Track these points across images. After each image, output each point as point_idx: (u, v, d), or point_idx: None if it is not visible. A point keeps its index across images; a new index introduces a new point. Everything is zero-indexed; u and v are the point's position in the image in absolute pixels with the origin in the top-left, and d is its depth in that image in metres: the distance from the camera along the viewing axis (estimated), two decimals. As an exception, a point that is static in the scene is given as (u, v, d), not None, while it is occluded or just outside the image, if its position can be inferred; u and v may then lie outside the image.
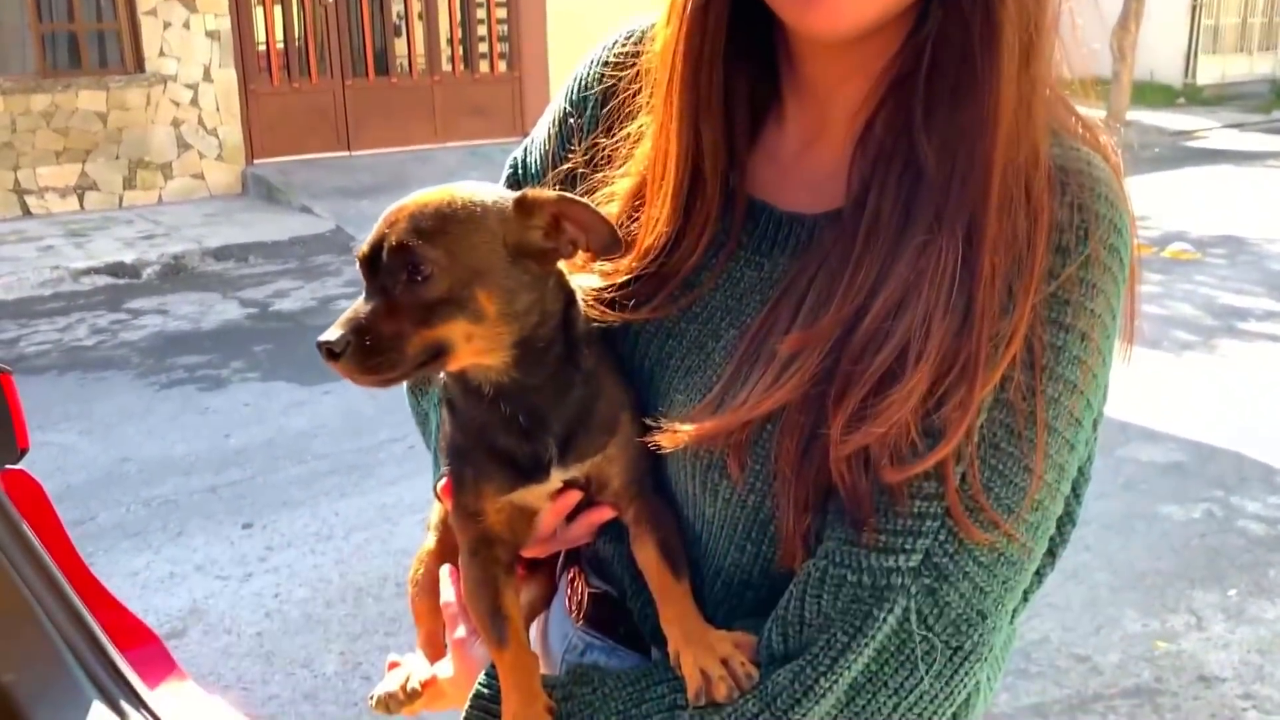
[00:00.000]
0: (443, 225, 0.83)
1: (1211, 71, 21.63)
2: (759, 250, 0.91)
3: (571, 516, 0.96)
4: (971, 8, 0.78)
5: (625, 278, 0.91)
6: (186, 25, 10.29)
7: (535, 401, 0.89)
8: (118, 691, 1.09)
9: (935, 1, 0.81)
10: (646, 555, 0.93)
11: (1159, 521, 4.14)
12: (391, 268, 0.83)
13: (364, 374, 0.82)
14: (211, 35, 10.42)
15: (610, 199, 0.95)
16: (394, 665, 1.05)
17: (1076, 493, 0.88)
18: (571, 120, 1.04)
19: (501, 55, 12.49)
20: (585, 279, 0.93)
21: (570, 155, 1.03)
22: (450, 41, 12.15)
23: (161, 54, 10.23)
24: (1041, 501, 0.80)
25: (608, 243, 0.86)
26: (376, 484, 4.47)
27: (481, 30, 12.39)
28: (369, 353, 0.82)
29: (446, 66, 12.10)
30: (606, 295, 0.92)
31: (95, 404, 5.52)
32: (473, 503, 0.93)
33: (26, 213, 9.77)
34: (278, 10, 10.97)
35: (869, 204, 0.82)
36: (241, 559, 3.87)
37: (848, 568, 0.80)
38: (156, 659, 1.20)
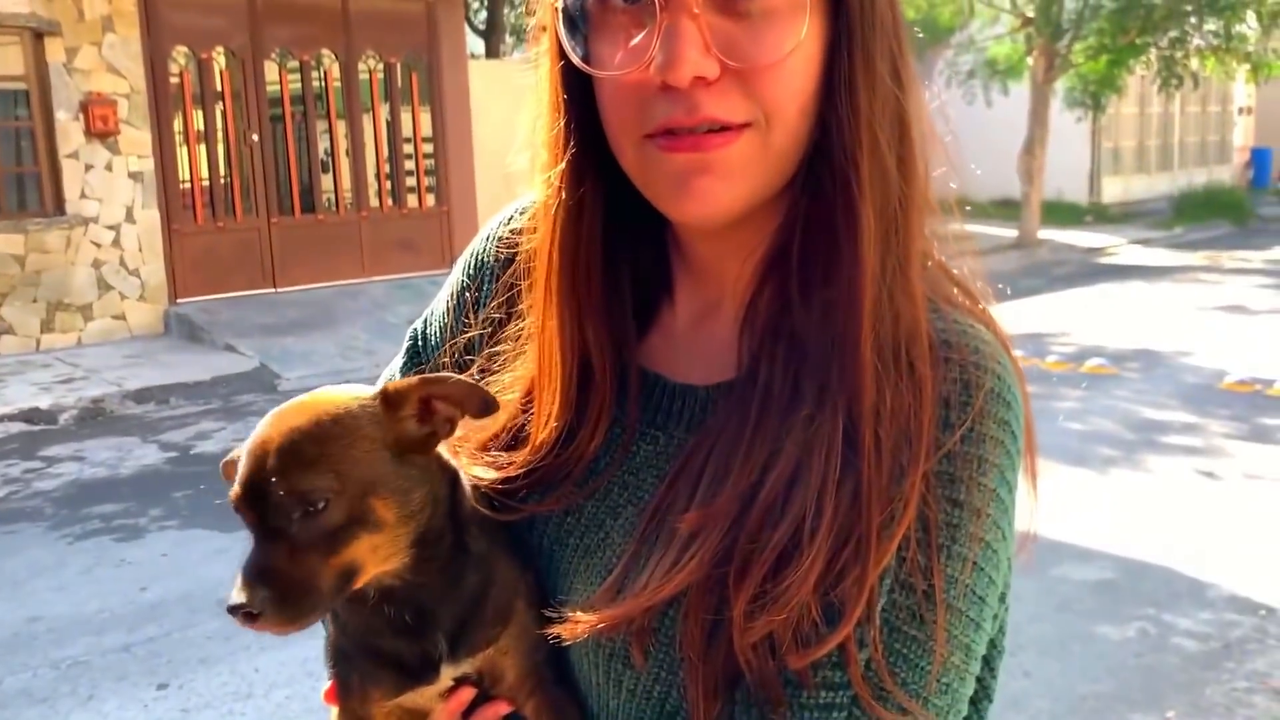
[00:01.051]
0: (322, 448, 0.79)
1: (1115, 190, 22.61)
2: (653, 424, 0.90)
3: (468, 712, 0.91)
4: (833, 190, 0.80)
5: (521, 470, 0.90)
6: (109, 167, 10.26)
7: (422, 599, 0.85)
8: None
9: (803, 185, 0.82)
10: None
11: (1095, 642, 4.13)
12: (281, 506, 0.78)
13: (288, 625, 0.77)
14: (134, 176, 10.40)
15: (507, 390, 0.94)
16: None
17: (991, 666, 0.87)
18: (468, 294, 1.04)
19: (429, 189, 12.63)
20: (480, 471, 0.91)
21: (467, 328, 1.03)
22: (378, 177, 12.27)
23: (83, 195, 10.17)
24: (949, 684, 0.78)
25: (482, 407, 0.84)
26: (299, 636, 4.27)
27: (409, 165, 12.54)
28: (286, 602, 0.77)
29: (374, 202, 12.19)
30: (506, 488, 0.89)
31: (4, 560, 5.28)
32: (360, 708, 0.89)
33: (-62, 359, 9.52)
34: (202, 149, 11.01)
35: (759, 378, 0.82)
36: (154, 724, 3.68)
37: None
38: None
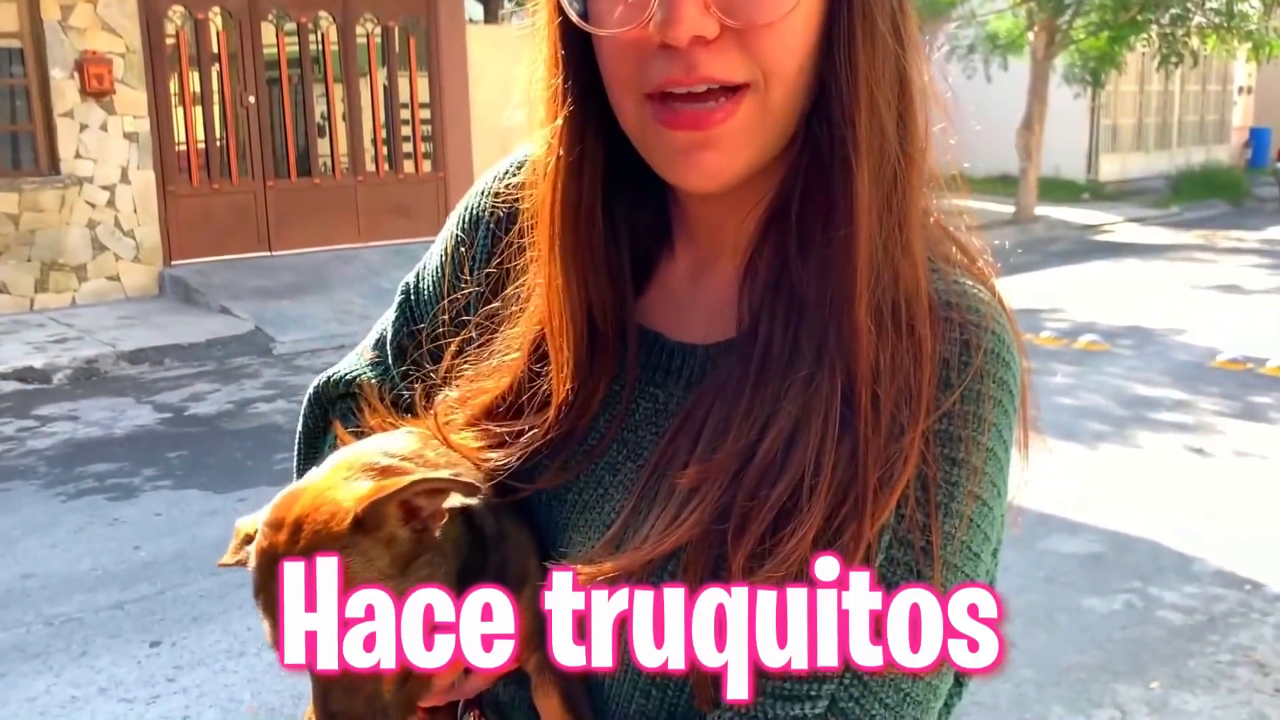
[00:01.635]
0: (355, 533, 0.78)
1: (1112, 168, 22.55)
2: (653, 381, 0.91)
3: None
4: (830, 147, 0.80)
5: (545, 438, 0.89)
6: (104, 127, 10.20)
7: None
8: None
9: (802, 144, 0.82)
10: (549, 705, 0.90)
11: (1081, 614, 4.17)
12: None
13: None
14: (130, 137, 10.34)
15: (510, 350, 0.94)
16: None
17: None
18: (463, 249, 1.03)
19: (426, 155, 12.57)
20: (489, 454, 0.90)
21: (463, 284, 1.02)
22: (374, 142, 12.21)
23: (78, 155, 10.11)
24: None
25: (467, 492, 0.82)
26: (292, 595, 4.32)
27: (405, 130, 12.48)
28: None
29: (370, 167, 12.13)
30: (518, 465, 0.89)
31: (-3, 517, 5.30)
32: None
33: (-68, 317, 9.50)
34: (198, 111, 10.94)
35: (759, 335, 0.83)
36: (148, 679, 3.70)
37: (753, 718, 0.78)
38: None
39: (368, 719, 0.79)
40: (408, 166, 12.46)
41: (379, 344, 1.11)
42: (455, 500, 0.82)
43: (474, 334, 0.98)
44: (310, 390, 1.12)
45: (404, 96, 12.39)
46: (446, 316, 1.02)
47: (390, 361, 1.09)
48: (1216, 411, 7.13)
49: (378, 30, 11.98)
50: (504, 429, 0.91)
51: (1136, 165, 23.27)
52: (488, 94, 11.88)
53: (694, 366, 0.89)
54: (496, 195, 1.02)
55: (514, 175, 1.01)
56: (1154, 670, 3.76)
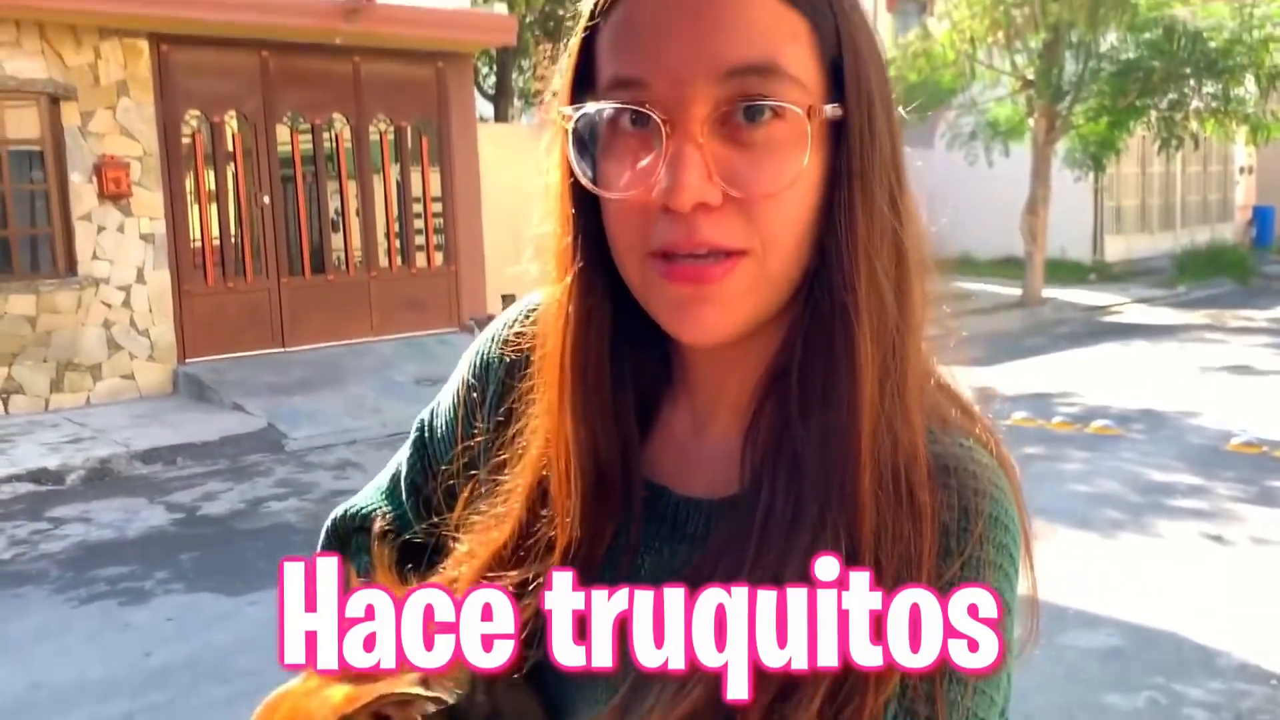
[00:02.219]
0: None
1: (1118, 249, 22.71)
2: (657, 535, 0.92)
3: None
4: (831, 314, 0.82)
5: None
6: (121, 229, 10.38)
7: None
8: None
9: (803, 307, 0.85)
10: None
11: (1103, 713, 4.10)
12: None
13: None
14: (146, 238, 10.52)
15: (509, 496, 0.95)
16: None
17: None
18: (474, 394, 1.06)
19: (438, 248, 12.74)
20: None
21: (475, 431, 1.04)
22: (387, 236, 12.39)
23: (95, 257, 10.27)
24: None
25: (434, 704, 0.83)
26: (304, 703, 4.28)
27: (418, 225, 12.67)
28: None
29: (383, 261, 12.29)
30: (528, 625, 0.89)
31: (8, 623, 5.28)
32: None
33: (-52, 418, 9.56)
34: (213, 210, 11.13)
35: (761, 499, 0.84)
36: (157, 794, 3.66)
37: None
38: None
39: None
40: (420, 260, 12.62)
41: (394, 480, 1.13)
42: (429, 707, 0.82)
43: (483, 487, 0.99)
44: (328, 523, 1.14)
45: (416, 191, 12.60)
46: (459, 464, 1.04)
47: (404, 499, 1.11)
48: (1233, 497, 7.07)
49: (390, 129, 12.24)
50: (509, 578, 0.92)
51: (1142, 246, 23.43)
52: (498, 190, 12.08)
53: (698, 523, 0.90)
54: (506, 343, 1.04)
55: (523, 324, 1.03)
56: (1181, 772, 3.68)
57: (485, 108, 15.73)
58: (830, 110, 0.81)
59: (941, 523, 0.81)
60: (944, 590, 0.79)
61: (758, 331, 0.86)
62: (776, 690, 0.77)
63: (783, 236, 0.82)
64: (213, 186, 11.13)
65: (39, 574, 6.05)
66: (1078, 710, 4.10)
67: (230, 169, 11.19)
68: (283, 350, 11.37)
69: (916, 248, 0.86)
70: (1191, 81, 15.87)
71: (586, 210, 0.89)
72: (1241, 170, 27.96)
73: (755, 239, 0.81)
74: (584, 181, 0.86)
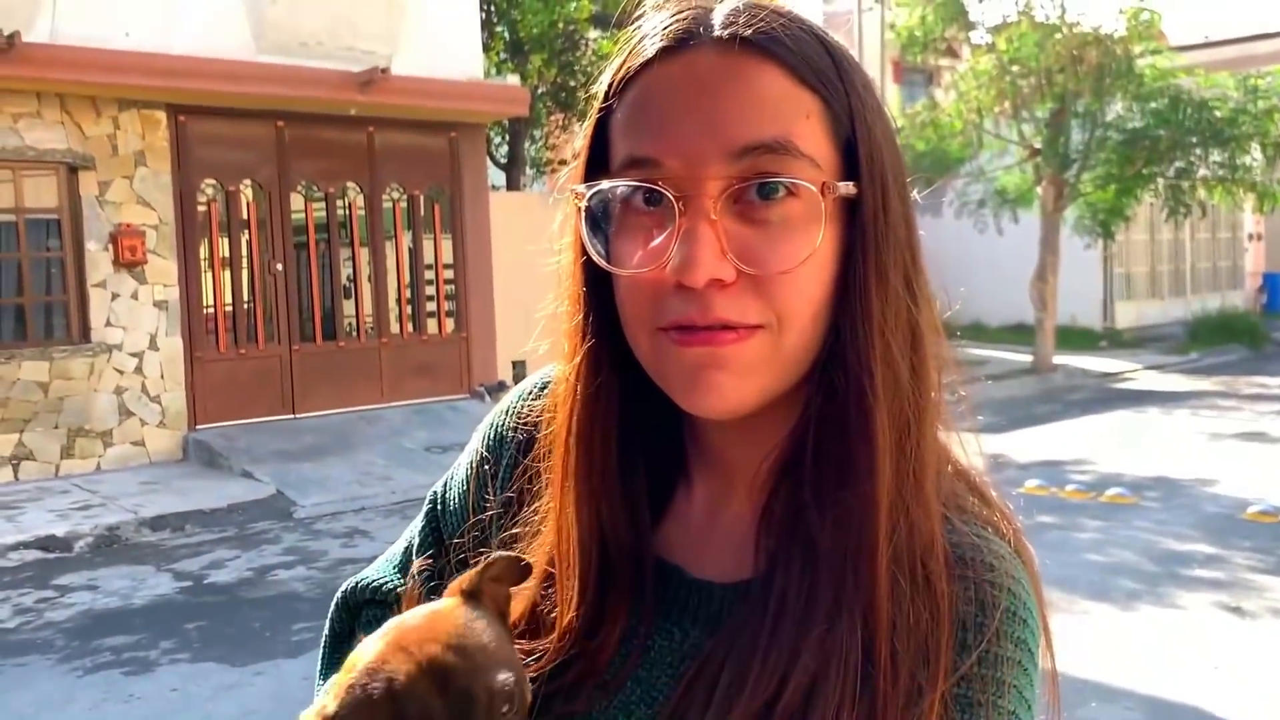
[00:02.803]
0: (485, 647, 0.79)
1: (1128, 315, 22.71)
2: (669, 618, 0.90)
3: None
4: (846, 393, 0.81)
5: (551, 663, 0.89)
6: (135, 296, 10.46)
7: None
8: None
9: (817, 386, 0.84)
10: None
11: (1124, 790, 4.01)
12: (488, 709, 0.75)
13: None
14: (159, 305, 10.60)
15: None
16: None
17: None
18: (487, 467, 1.05)
19: (449, 314, 12.81)
20: None
21: (487, 504, 1.03)
22: (399, 303, 12.46)
23: (108, 324, 10.35)
24: None
25: (519, 574, 0.88)
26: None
27: (430, 291, 12.75)
28: None
29: (395, 328, 12.35)
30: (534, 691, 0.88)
31: (11, 695, 5.22)
32: None
33: (-42, 485, 9.56)
34: (226, 277, 11.23)
35: (775, 584, 0.82)
36: None
37: None
38: None
39: None
40: (431, 327, 12.68)
41: (406, 552, 1.12)
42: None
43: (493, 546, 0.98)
44: (338, 594, 1.13)
45: (428, 259, 12.70)
46: (470, 537, 1.03)
47: (416, 573, 1.10)
48: (1251, 567, 6.97)
49: (403, 197, 12.37)
50: (521, 649, 0.91)
51: (1152, 312, 23.43)
52: (510, 257, 12.17)
53: (712, 607, 0.88)
54: (520, 416, 1.04)
55: (539, 397, 1.03)
56: None
57: (497, 176, 15.90)
58: (844, 188, 0.81)
59: (958, 616, 0.79)
60: (960, 685, 0.78)
61: (771, 409, 0.85)
62: None
63: (798, 312, 0.81)
64: (226, 254, 11.23)
65: (44, 643, 6.00)
66: (1097, 788, 4.01)
67: (244, 236, 11.30)
68: (293, 417, 11.38)
69: (932, 330, 0.85)
70: (1198, 150, 15.99)
71: (598, 289, 0.89)
72: (1250, 237, 28.05)
73: (770, 314, 0.80)
74: (597, 259, 0.86)
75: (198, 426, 10.83)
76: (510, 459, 1.03)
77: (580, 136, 0.91)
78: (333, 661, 1.12)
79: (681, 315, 0.81)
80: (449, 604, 0.84)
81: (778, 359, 0.82)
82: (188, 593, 6.98)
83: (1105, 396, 15.34)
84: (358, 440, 10.95)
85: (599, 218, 0.87)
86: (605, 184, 0.85)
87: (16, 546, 7.91)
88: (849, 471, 0.80)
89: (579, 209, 0.87)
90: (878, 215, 0.82)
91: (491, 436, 1.07)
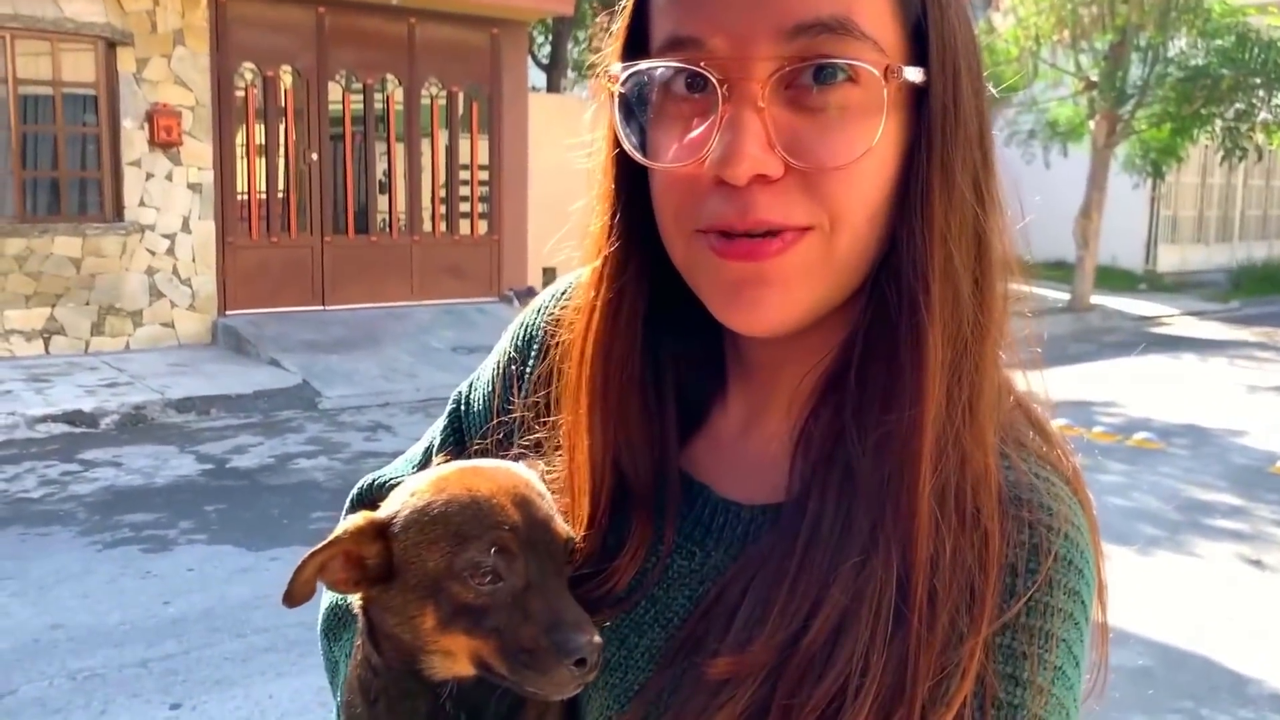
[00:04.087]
0: (553, 507, 0.80)
1: (1171, 259, 22.32)
2: (691, 538, 0.84)
3: None
4: (899, 309, 0.73)
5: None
6: (169, 177, 10.42)
7: (482, 698, 0.80)
8: None
9: (867, 303, 0.76)
10: None
11: (1128, 734, 4.00)
12: (558, 553, 0.78)
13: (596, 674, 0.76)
14: (193, 187, 10.55)
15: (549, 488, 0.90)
16: None
17: None
18: (514, 368, 0.99)
19: (482, 216, 12.72)
20: None
21: (511, 406, 0.97)
22: (432, 201, 12.36)
23: (142, 203, 10.33)
24: None
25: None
26: (316, 663, 4.21)
27: (464, 192, 12.64)
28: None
29: (427, 226, 12.27)
30: None
31: (33, 563, 5.31)
32: None
33: (-10, 355, 9.67)
34: (261, 164, 11.16)
35: (809, 510, 0.75)
36: (164, 745, 3.65)
37: None
38: None
39: None
40: (464, 228, 12.60)
41: (426, 452, 1.07)
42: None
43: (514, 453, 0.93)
44: (354, 490, 1.08)
45: (464, 158, 12.56)
46: (493, 439, 0.98)
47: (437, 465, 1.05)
48: (1275, 521, 6.89)
49: (442, 94, 12.20)
50: None
51: (1196, 257, 23.01)
52: (546, 161, 12.01)
53: (736, 529, 0.82)
54: (551, 317, 0.97)
55: (571, 297, 0.96)
56: (1204, 801, 3.58)
57: (538, 77, 15.66)
58: (910, 75, 0.72)
59: (1008, 559, 0.72)
60: (1004, 634, 0.71)
61: (818, 326, 0.77)
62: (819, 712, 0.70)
63: (852, 213, 0.72)
64: (262, 141, 11.15)
65: (67, 516, 6.09)
66: (1101, 729, 3.99)
67: (281, 124, 11.20)
68: (322, 309, 11.40)
69: (1001, 240, 0.76)
70: (1260, 92, 15.49)
71: (632, 186, 0.81)
72: (1305, 186, 27.36)
73: (821, 215, 0.72)
74: (630, 150, 0.77)
75: (227, 312, 10.87)
76: (538, 361, 0.97)
77: (619, 14, 0.82)
78: None
79: (720, 217, 0.73)
80: (520, 465, 0.84)
81: (828, 266, 0.74)
82: (209, 475, 7.05)
83: (1141, 340, 15.13)
84: (385, 336, 10.96)
85: (635, 105, 0.78)
86: (643, 65, 0.76)
87: (44, 419, 8.01)
88: (895, 394, 0.73)
89: (613, 94, 0.79)
90: (947, 107, 0.73)
91: (520, 337, 1.00)
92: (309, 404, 9.10)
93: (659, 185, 0.78)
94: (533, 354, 0.98)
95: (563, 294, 0.98)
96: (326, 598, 1.07)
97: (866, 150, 0.71)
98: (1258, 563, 6.07)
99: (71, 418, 8.12)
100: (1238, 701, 4.30)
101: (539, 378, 0.96)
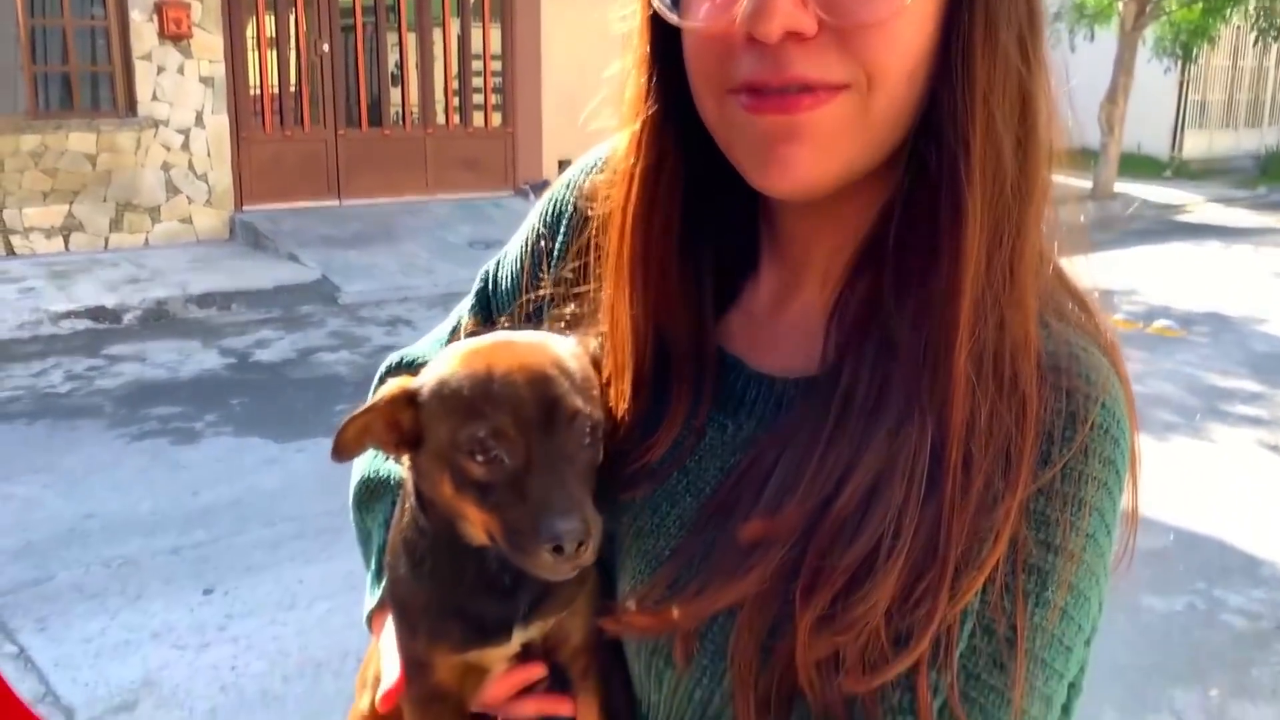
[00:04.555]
0: (586, 384, 0.80)
1: (1198, 145, 21.86)
2: (724, 410, 0.84)
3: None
4: (938, 171, 0.72)
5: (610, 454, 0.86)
6: (181, 70, 10.29)
7: None
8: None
9: (905, 166, 0.74)
10: (588, 713, 0.87)
11: (1140, 613, 4.07)
12: (570, 432, 0.77)
13: (590, 560, 0.76)
14: (205, 81, 10.43)
15: None
16: None
17: (1067, 709, 0.80)
18: (543, 243, 0.99)
19: (496, 108, 12.55)
20: None
21: (540, 282, 0.98)
22: (445, 93, 12.19)
23: (154, 98, 10.22)
24: None
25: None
26: (344, 549, 4.33)
27: (477, 83, 12.45)
28: (596, 534, 0.76)
29: (441, 119, 12.13)
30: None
31: (64, 455, 5.41)
32: (424, 654, 0.86)
33: (10, 252, 9.70)
34: (273, 57, 11.00)
35: (843, 379, 0.75)
36: (200, 627, 3.76)
37: None
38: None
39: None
40: (477, 120, 12.45)
41: (453, 331, 1.08)
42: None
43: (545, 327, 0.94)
44: (381, 369, 1.10)
45: (477, 48, 12.34)
46: (521, 315, 0.98)
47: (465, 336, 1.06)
48: (1294, 407, 6.90)
49: (453, -19, 11.94)
50: None
51: (1224, 143, 22.53)
52: (560, 51, 11.80)
53: (769, 401, 0.83)
54: (581, 191, 0.96)
55: (601, 171, 0.95)
56: (1214, 677, 3.65)
57: (552, -37, 15.25)
58: None
59: (1044, 426, 0.72)
60: (1038, 500, 0.71)
61: (853, 190, 0.76)
62: (844, 585, 0.71)
63: (891, 71, 0.70)
64: (273, 32, 10.97)
65: (94, 409, 6.18)
66: (1114, 610, 4.01)
67: (291, 15, 11.00)
68: (338, 203, 11.36)
69: (1047, 101, 0.74)
70: (1297, -31, 14.98)
71: (666, 48, 0.80)
72: (1339, 68, 26.63)
73: (858, 72, 0.70)
74: (661, 9, 0.76)
75: (244, 208, 10.84)
76: (568, 235, 0.97)
77: None
78: None
79: (753, 74, 0.72)
80: (563, 338, 0.84)
81: (864, 126, 0.72)
82: (233, 369, 7.12)
83: (1164, 227, 14.94)
84: (401, 231, 10.93)
85: None
86: None
87: (68, 315, 8.07)
88: (934, 259, 0.72)
89: None
90: None
91: (550, 212, 1.00)
92: (328, 299, 9.14)
93: (690, 46, 0.76)
94: (562, 229, 0.97)
95: (593, 168, 0.97)
96: (357, 471, 1.10)
97: (904, 5, 0.69)
98: (1275, 448, 6.09)
99: (95, 313, 8.18)
100: (1250, 582, 4.36)
101: (570, 253, 0.95)
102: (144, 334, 7.95)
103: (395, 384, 0.81)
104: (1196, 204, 17.48)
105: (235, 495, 4.93)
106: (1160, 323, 8.86)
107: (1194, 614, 4.08)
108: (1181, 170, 20.65)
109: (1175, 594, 4.22)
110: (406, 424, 0.80)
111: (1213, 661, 3.75)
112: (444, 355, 0.82)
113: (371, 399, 0.80)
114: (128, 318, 8.26)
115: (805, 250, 0.84)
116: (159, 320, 8.33)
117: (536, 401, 0.76)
